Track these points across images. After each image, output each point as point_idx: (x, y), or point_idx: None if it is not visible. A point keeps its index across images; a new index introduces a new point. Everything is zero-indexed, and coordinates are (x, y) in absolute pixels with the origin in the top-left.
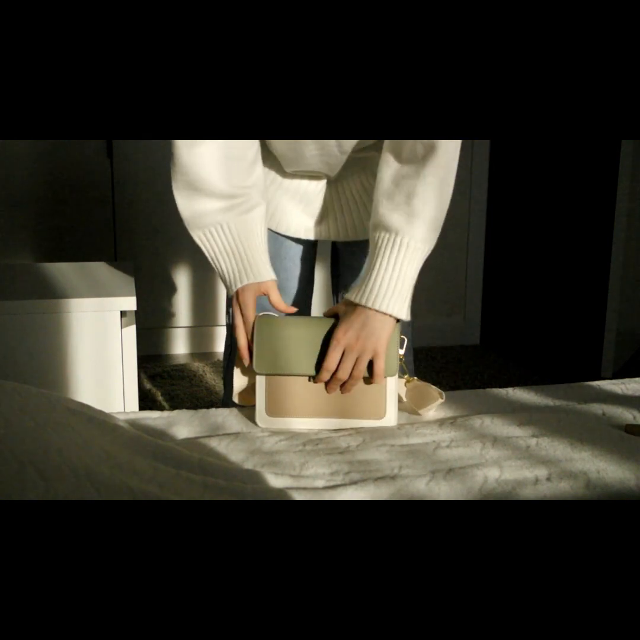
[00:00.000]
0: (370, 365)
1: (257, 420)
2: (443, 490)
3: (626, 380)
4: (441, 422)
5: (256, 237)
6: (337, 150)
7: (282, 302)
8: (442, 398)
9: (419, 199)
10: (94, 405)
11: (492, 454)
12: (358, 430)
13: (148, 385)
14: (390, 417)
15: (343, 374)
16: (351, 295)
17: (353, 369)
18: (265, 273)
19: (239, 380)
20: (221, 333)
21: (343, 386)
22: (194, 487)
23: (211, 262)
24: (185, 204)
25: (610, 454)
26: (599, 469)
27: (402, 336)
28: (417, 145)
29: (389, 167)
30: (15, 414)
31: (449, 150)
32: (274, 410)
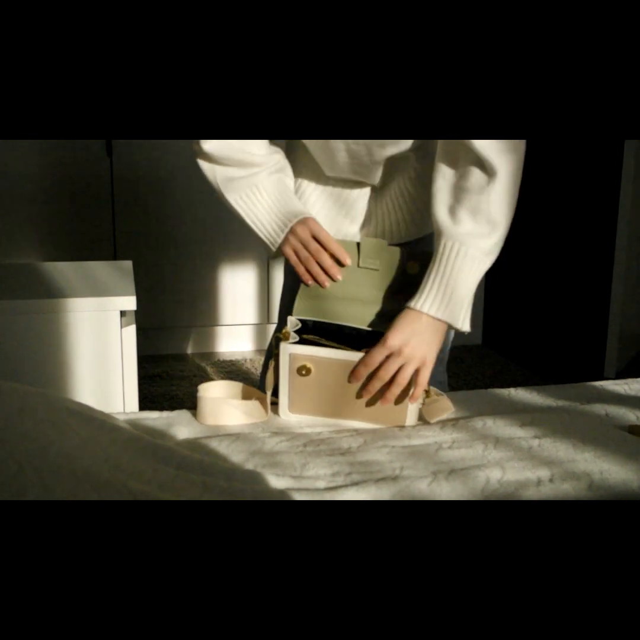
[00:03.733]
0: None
1: (281, 413)
2: (445, 491)
3: (629, 380)
4: (443, 423)
5: (288, 190)
6: (367, 160)
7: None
8: (452, 409)
9: (491, 211)
10: (94, 405)
11: (494, 455)
12: (359, 431)
13: (148, 385)
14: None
15: (385, 374)
16: (408, 302)
17: (397, 374)
18: (306, 211)
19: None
20: (221, 333)
21: (385, 393)
22: (193, 487)
23: (249, 221)
24: (215, 171)
25: (613, 455)
26: (602, 470)
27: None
28: (470, 155)
29: (445, 178)
30: (15, 414)
31: (512, 166)
32: (297, 407)
